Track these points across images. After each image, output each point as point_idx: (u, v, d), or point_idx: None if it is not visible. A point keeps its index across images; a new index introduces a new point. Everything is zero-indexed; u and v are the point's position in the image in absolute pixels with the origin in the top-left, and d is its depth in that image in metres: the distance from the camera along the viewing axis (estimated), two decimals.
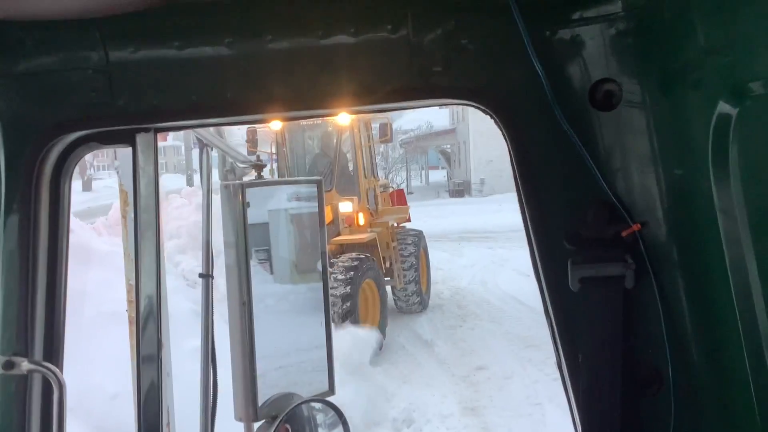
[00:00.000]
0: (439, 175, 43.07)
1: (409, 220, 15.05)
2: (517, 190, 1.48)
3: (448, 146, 45.73)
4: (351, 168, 13.86)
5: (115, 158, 6.56)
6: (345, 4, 1.42)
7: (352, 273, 11.01)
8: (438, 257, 17.50)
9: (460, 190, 40.41)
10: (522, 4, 1.32)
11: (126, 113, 1.49)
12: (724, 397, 1.34)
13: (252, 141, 13.11)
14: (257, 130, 13.73)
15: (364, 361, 9.61)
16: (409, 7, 1.41)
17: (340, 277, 10.84)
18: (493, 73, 1.42)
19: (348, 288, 10.74)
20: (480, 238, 22.84)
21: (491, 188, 38.70)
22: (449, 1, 1.41)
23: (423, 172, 36.55)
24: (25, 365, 1.50)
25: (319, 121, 13.02)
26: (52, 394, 1.53)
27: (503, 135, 1.46)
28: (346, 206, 12.69)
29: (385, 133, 14.18)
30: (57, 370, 1.52)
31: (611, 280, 1.38)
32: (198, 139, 1.93)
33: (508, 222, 25.65)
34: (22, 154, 1.51)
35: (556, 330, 1.47)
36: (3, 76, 1.48)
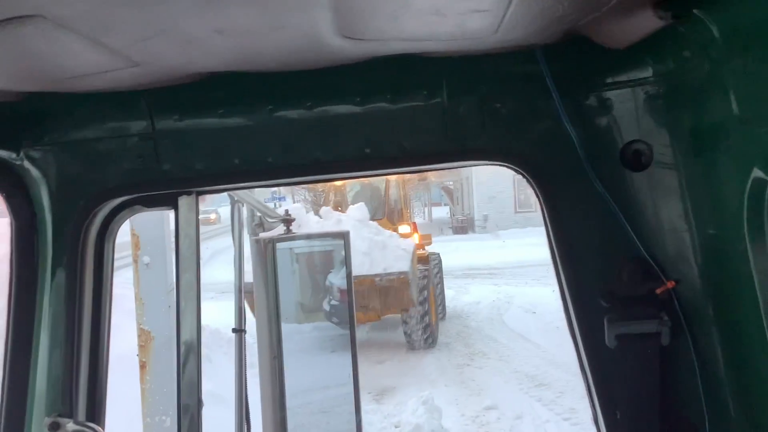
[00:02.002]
0: (441, 212, 43.11)
1: (430, 243, 17.52)
2: (551, 249, 1.51)
3: (451, 183, 45.87)
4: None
5: None
6: (382, 72, 1.47)
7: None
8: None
9: (463, 226, 40.40)
10: (554, 70, 1.37)
11: (170, 178, 1.53)
12: None
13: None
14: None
15: None
16: (444, 75, 1.46)
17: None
18: (526, 136, 1.47)
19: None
20: (485, 275, 22.79)
21: (494, 224, 38.69)
22: (483, 69, 1.46)
23: (426, 209, 36.55)
24: (70, 426, 1.52)
25: None
26: None
27: (536, 195, 1.50)
28: (404, 228, 15.93)
29: (422, 175, 17.37)
30: (100, 430, 1.54)
31: (647, 337, 1.40)
32: (229, 196, 1.98)
33: (513, 258, 25.66)
34: (69, 218, 1.55)
35: (592, 386, 1.49)
36: (54, 144, 1.53)
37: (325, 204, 16.31)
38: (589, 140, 1.42)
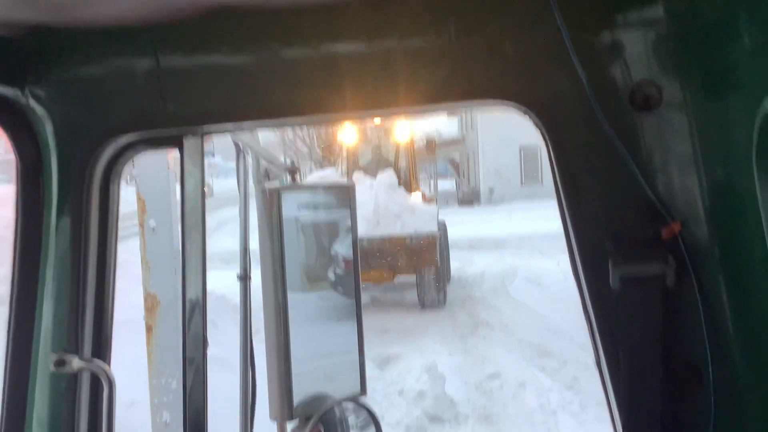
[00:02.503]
0: (447, 185, 43.06)
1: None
2: (557, 191, 1.50)
3: (457, 155, 45.77)
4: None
5: (132, 167, 6.62)
6: (389, 12, 1.45)
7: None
8: None
9: (469, 199, 40.38)
10: (565, 9, 1.35)
11: (175, 117, 1.53)
12: (765, 394, 1.36)
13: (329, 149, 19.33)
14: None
15: None
16: (452, 14, 1.45)
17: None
18: (534, 76, 1.46)
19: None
20: (490, 247, 22.81)
21: (500, 197, 38.67)
22: (491, 8, 1.45)
23: (432, 181, 36.49)
24: (75, 363, 1.54)
25: (383, 135, 18.74)
26: (101, 390, 1.57)
27: (543, 136, 1.49)
28: (416, 193, 17.10)
29: (430, 147, 20.22)
30: (107, 367, 1.55)
31: (652, 279, 1.40)
32: (235, 144, 1.97)
33: (518, 230, 25.67)
34: (75, 157, 1.55)
35: (595, 329, 1.50)
36: (58, 81, 1.52)
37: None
38: (598, 81, 1.40)
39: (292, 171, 2.04)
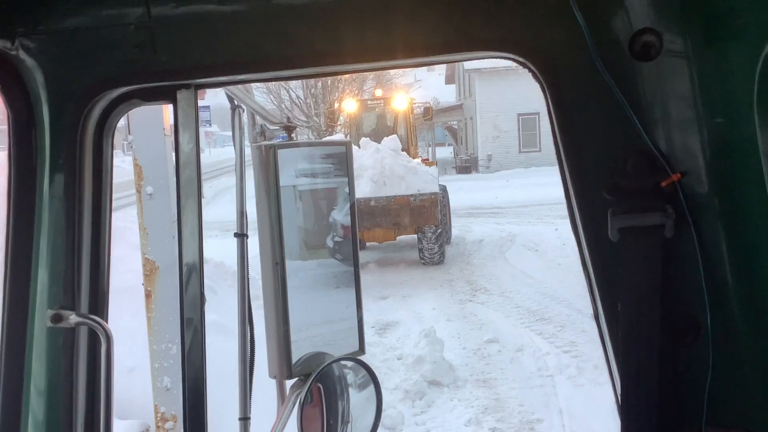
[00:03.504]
0: (445, 152, 42.99)
1: None
2: (555, 143, 1.49)
3: (455, 123, 45.59)
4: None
5: (129, 132, 6.58)
6: None
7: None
8: None
9: (467, 166, 40.31)
10: None
11: (167, 69, 1.50)
12: (764, 343, 1.36)
13: (330, 117, 20.41)
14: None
15: None
16: None
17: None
18: (533, 25, 1.43)
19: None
20: (488, 214, 22.86)
21: (498, 164, 38.63)
22: None
23: (430, 148, 36.42)
24: (72, 318, 1.53)
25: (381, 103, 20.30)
26: (98, 346, 1.57)
27: (542, 88, 1.47)
28: (417, 159, 18.11)
29: (428, 113, 21.75)
30: (104, 323, 1.55)
31: (651, 230, 1.39)
32: (230, 100, 1.94)
33: (516, 198, 25.72)
34: (67, 110, 1.53)
35: (594, 280, 1.49)
36: (49, 32, 1.49)
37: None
38: (598, 30, 1.38)
39: (289, 128, 2.02)
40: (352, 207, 2.11)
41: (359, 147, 16.00)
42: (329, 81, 34.57)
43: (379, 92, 24.20)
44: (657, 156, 1.39)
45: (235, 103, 1.95)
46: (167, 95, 1.57)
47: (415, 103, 21.81)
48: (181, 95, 1.56)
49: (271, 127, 2.07)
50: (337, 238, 2.18)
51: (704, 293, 1.40)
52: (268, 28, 1.47)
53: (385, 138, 17.20)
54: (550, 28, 1.42)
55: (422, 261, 16.17)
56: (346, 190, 2.11)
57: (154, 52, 1.49)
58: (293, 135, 2.09)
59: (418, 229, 15.83)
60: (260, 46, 1.48)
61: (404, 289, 14.06)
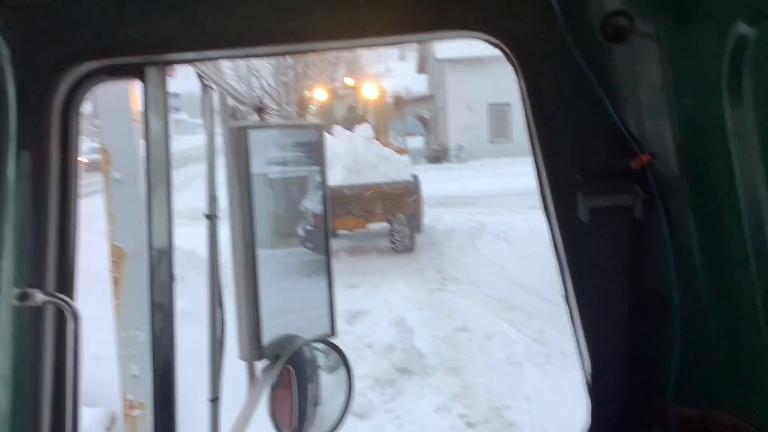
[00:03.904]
0: (417, 142, 43.01)
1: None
2: (527, 124, 1.50)
3: (426, 113, 45.62)
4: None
5: (96, 117, 6.47)
6: None
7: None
8: None
9: (437, 156, 40.39)
10: None
11: (136, 45, 1.48)
12: (730, 322, 1.38)
13: (300, 105, 20.87)
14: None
15: None
16: None
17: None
18: (506, 6, 1.43)
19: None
20: (458, 204, 22.92)
21: (469, 154, 38.75)
22: None
23: (401, 138, 36.39)
24: (39, 296, 1.50)
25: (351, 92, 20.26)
26: (65, 325, 1.54)
27: (514, 69, 1.47)
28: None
29: (398, 103, 21.03)
30: (72, 302, 1.52)
31: (621, 211, 1.41)
32: (200, 79, 1.92)
33: (486, 188, 25.81)
34: (32, 86, 1.49)
35: (565, 261, 1.50)
36: (13, 8, 1.46)
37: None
38: (570, 11, 1.39)
39: (260, 109, 2.00)
40: (324, 192, 2.10)
41: (332, 135, 16.03)
42: (300, 69, 34.35)
43: (349, 81, 24.11)
44: (627, 137, 1.41)
45: (206, 83, 1.93)
46: (136, 72, 1.54)
47: (386, 93, 21.83)
48: (150, 72, 1.53)
49: (242, 108, 2.05)
50: (308, 227, 2.17)
51: (673, 273, 1.42)
52: (238, 3, 1.46)
53: (358, 126, 17.24)
54: (523, 10, 1.43)
55: (393, 246, 16.26)
56: (318, 178, 2.10)
57: (122, 27, 1.46)
58: (264, 117, 2.08)
59: (389, 216, 15.89)
60: (231, 22, 1.47)
61: (374, 277, 14.05)
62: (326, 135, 2.14)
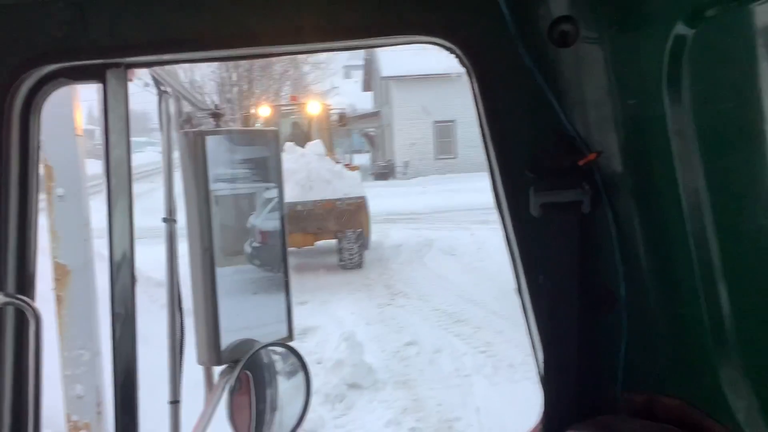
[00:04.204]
0: (363, 159, 43.19)
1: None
2: (480, 125, 1.56)
3: (372, 129, 45.86)
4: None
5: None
6: None
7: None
8: None
9: (384, 173, 40.59)
10: None
11: (97, 47, 1.49)
12: (674, 312, 1.46)
13: (246, 123, 20.56)
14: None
15: None
16: None
17: None
18: (458, 11, 1.49)
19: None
20: (405, 220, 23.06)
21: (415, 171, 39.07)
22: None
23: (347, 155, 36.50)
24: (0, 298, 1.49)
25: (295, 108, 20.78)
26: (25, 327, 1.53)
27: (467, 71, 1.54)
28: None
29: (342, 120, 21.27)
30: (32, 302, 1.51)
31: (569, 206, 1.48)
32: (156, 84, 1.93)
33: (433, 204, 26.04)
34: None
35: (517, 255, 1.57)
36: None
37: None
38: (520, 17, 1.46)
39: (217, 115, 2.02)
40: (281, 203, 2.10)
41: (284, 152, 16.13)
42: (246, 86, 34.18)
43: (294, 98, 24.33)
44: (575, 136, 1.48)
45: (162, 88, 1.94)
46: (97, 74, 1.55)
47: (330, 110, 21.93)
48: (111, 74, 1.54)
49: (199, 115, 2.06)
50: (255, 244, 2.18)
51: (619, 265, 1.50)
52: (200, 7, 1.48)
53: (310, 142, 17.31)
54: (476, 14, 1.49)
55: (341, 264, 16.18)
56: (265, 195, 2.12)
57: (83, 29, 1.47)
58: (220, 123, 2.10)
59: (339, 233, 15.85)
60: (193, 25, 1.49)
61: (323, 294, 14.01)
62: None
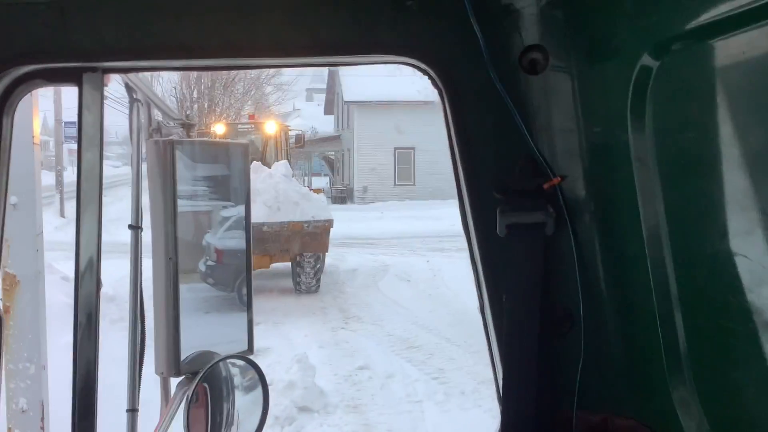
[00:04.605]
0: (322, 182, 43.19)
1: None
2: (450, 146, 1.60)
3: (332, 153, 45.94)
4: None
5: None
6: None
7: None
8: None
9: (342, 196, 40.63)
10: None
11: (74, 50, 1.49)
12: (630, 333, 1.51)
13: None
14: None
15: None
16: None
17: None
18: (434, 34, 1.54)
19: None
20: (362, 245, 23.07)
21: (374, 196, 39.22)
22: None
23: (306, 178, 36.47)
24: None
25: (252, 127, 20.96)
26: None
27: (440, 93, 1.58)
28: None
29: (300, 141, 21.80)
30: None
31: (533, 227, 1.52)
32: (129, 91, 1.94)
33: (390, 229, 26.15)
34: None
35: (482, 275, 1.60)
36: None
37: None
38: (493, 43, 1.51)
39: (187, 125, 2.03)
40: (247, 221, 2.11)
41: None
42: (206, 104, 33.98)
43: (250, 117, 24.40)
44: (541, 160, 1.53)
45: (135, 96, 1.94)
46: (73, 77, 1.55)
47: (289, 131, 21.94)
48: (88, 78, 1.55)
49: (170, 124, 2.07)
50: (210, 262, 2.18)
51: (578, 286, 1.54)
52: (180, 16, 1.50)
53: (276, 163, 17.33)
54: (451, 38, 1.54)
55: (297, 290, 15.88)
56: (222, 213, 2.13)
57: (62, 31, 1.47)
58: (191, 133, 2.11)
59: (298, 256, 15.61)
60: (172, 33, 1.51)
61: (276, 315, 13.90)
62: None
